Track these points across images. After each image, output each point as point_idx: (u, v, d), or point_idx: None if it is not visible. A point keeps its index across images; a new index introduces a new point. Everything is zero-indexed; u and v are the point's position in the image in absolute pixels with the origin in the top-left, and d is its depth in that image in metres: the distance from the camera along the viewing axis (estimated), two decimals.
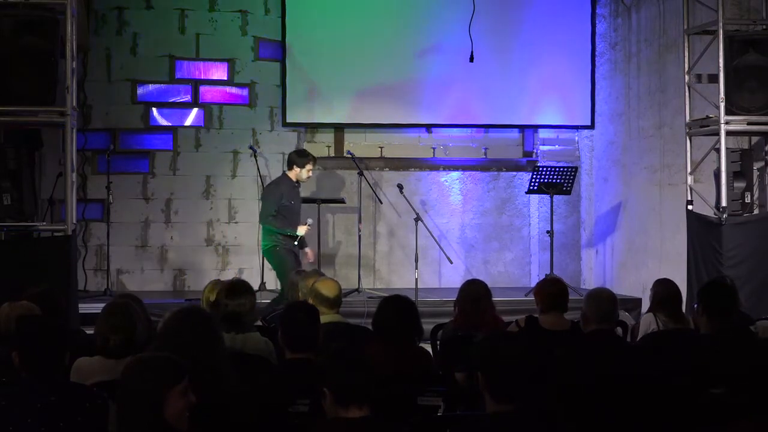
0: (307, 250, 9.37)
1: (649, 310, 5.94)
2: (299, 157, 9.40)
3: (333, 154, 11.51)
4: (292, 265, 8.85)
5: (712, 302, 5.19)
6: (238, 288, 5.22)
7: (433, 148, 11.76)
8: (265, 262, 10.51)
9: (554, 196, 10.60)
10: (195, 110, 11.10)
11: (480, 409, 3.49)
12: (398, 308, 5.08)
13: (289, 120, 11.32)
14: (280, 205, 9.12)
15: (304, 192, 11.33)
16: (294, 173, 9.30)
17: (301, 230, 9.15)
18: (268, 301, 8.82)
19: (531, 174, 10.74)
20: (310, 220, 9.41)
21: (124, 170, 10.77)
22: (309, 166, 9.32)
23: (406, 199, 10.27)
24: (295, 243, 9.14)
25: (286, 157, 11.18)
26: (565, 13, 11.67)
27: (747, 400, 3.12)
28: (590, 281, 11.74)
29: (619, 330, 6.10)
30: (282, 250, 9.14)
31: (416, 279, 9.79)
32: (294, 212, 9.25)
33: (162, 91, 11.06)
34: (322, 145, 11.40)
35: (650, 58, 10.74)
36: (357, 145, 11.44)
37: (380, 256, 11.61)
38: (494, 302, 6.00)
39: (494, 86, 11.50)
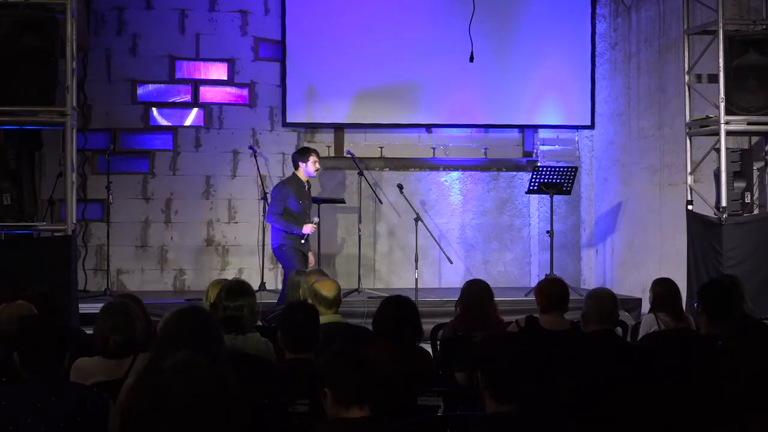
0: (309, 254, 9.39)
1: (650, 311, 5.94)
2: (301, 154, 9.47)
3: (333, 154, 11.51)
4: (298, 264, 8.90)
5: (711, 302, 5.18)
6: (238, 290, 5.19)
7: (433, 148, 11.76)
8: (266, 261, 10.55)
9: (554, 196, 10.60)
10: (195, 110, 11.10)
11: (480, 409, 3.49)
12: (398, 309, 5.07)
13: (289, 120, 11.32)
14: (287, 205, 9.16)
15: None
16: (300, 171, 9.35)
17: (306, 229, 9.17)
18: (268, 301, 8.81)
19: (531, 174, 10.74)
20: (316, 219, 9.45)
21: (124, 170, 10.77)
22: (313, 158, 9.35)
23: (406, 199, 10.27)
24: (302, 241, 9.16)
25: (287, 157, 11.29)
26: (565, 13, 11.67)
27: (759, 399, 3.10)
28: (590, 281, 11.74)
29: (619, 330, 6.09)
30: (289, 250, 9.21)
31: (416, 279, 9.79)
32: (303, 213, 9.28)
33: (162, 91, 11.06)
34: (322, 145, 11.40)
35: (650, 58, 10.74)
36: (357, 145, 11.44)
37: (380, 256, 11.61)
38: (496, 302, 6.01)
39: (494, 86, 11.50)
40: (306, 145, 10.87)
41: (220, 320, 4.92)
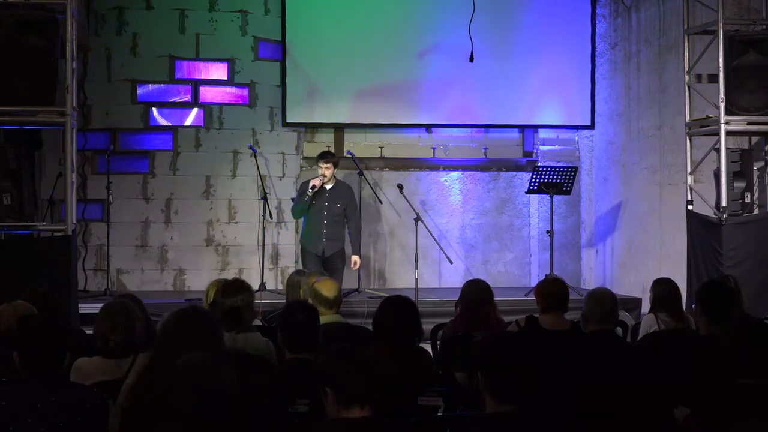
0: (354, 257, 9.66)
1: (650, 311, 5.94)
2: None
3: None
4: (308, 266, 9.14)
5: (711, 302, 5.18)
6: (233, 286, 5.21)
7: (433, 148, 11.76)
8: (266, 261, 10.55)
9: (554, 196, 10.59)
10: (195, 110, 11.10)
11: (480, 409, 3.49)
12: (398, 309, 5.07)
13: (289, 120, 11.32)
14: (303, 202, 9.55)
15: None
16: None
17: (313, 181, 9.46)
18: (268, 301, 8.81)
19: (531, 174, 10.74)
20: (321, 171, 9.55)
21: (124, 170, 10.76)
22: (320, 163, 9.62)
23: (406, 199, 10.27)
24: (309, 191, 9.40)
25: (287, 157, 11.32)
26: (565, 13, 11.67)
27: (759, 399, 3.11)
28: (590, 281, 11.74)
29: (619, 330, 6.09)
30: (303, 252, 9.73)
31: (416, 279, 9.79)
32: (313, 211, 9.54)
33: (162, 91, 11.05)
34: (322, 145, 11.39)
35: (650, 58, 10.74)
36: (357, 145, 11.44)
37: (380, 256, 11.62)
38: (496, 302, 6.01)
39: (494, 86, 11.50)
40: (306, 148, 10.87)
41: (219, 317, 4.93)
